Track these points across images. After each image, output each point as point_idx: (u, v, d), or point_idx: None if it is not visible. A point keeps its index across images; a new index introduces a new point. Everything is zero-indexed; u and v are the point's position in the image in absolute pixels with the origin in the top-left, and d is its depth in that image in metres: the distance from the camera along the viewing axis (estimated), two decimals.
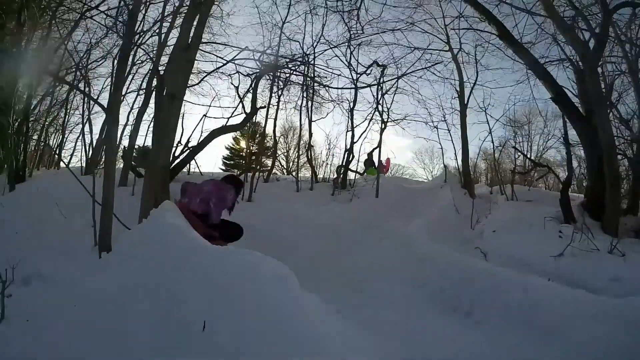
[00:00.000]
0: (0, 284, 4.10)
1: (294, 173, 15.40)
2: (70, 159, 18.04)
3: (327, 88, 14.05)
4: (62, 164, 16.50)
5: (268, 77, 14.26)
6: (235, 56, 9.26)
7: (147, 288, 2.85)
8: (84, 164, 14.21)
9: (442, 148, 14.59)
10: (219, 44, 12.77)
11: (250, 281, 2.18)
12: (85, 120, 14.42)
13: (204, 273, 2.46)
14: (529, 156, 18.31)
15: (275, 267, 2.37)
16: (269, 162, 19.50)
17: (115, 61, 12.88)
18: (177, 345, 2.21)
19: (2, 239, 7.00)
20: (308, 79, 13.63)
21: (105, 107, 7.23)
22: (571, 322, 4.12)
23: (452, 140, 13.62)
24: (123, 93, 12.75)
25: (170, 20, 11.94)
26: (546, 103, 12.61)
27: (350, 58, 13.98)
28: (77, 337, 3.06)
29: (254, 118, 13.49)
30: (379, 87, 13.47)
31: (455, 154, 13.38)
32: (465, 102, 13.02)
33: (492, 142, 11.94)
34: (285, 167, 23.80)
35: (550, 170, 11.79)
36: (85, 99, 13.92)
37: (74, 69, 15.14)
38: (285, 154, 24.54)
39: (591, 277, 5.93)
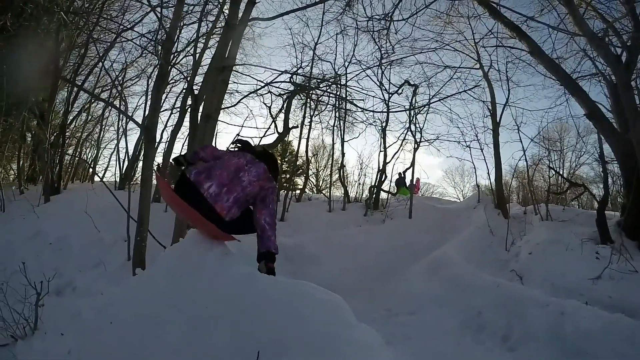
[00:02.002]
0: (35, 296, 4.17)
1: (324, 191, 15.39)
2: (104, 173, 18.29)
3: (359, 110, 14.04)
4: (96, 178, 16.74)
5: (300, 97, 14.33)
6: (274, 79, 9.26)
7: (186, 314, 2.84)
8: (117, 179, 14.40)
9: (474, 167, 14.41)
10: (255, 65, 12.78)
11: (310, 311, 2.15)
12: (120, 136, 14.63)
13: (261, 305, 2.42)
14: (562, 174, 18.01)
15: (330, 297, 2.34)
16: (299, 181, 19.50)
17: (151, 81, 13.16)
18: None
19: (36, 249, 7.10)
20: (340, 97, 13.61)
21: (141, 124, 7.33)
22: (605, 344, 4.06)
23: (484, 159, 13.49)
24: None
25: (203, 41, 12.08)
26: (579, 119, 12.32)
27: (382, 77, 14.01)
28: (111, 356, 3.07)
29: (286, 138, 13.53)
30: (412, 109, 13.38)
31: (488, 173, 13.27)
32: (498, 120, 12.82)
33: (526, 160, 11.69)
34: (315, 185, 23.72)
35: (587, 189, 11.51)
36: (120, 115, 14.12)
37: (109, 87, 15.46)
38: (316, 172, 24.48)
39: (630, 300, 5.81)
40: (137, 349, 2.82)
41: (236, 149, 4.24)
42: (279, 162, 5.59)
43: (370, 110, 13.39)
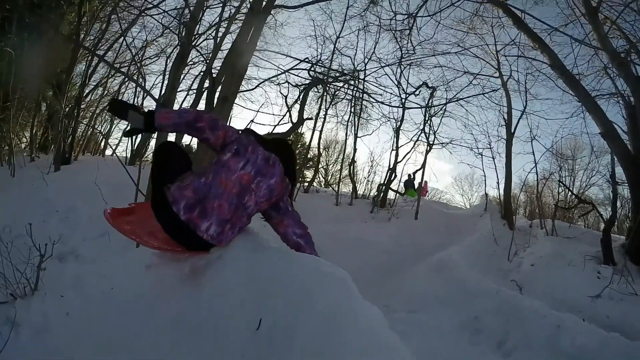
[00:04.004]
0: (38, 258, 4.22)
1: (332, 186, 15.40)
2: (116, 148, 18.36)
3: (376, 103, 13.99)
4: (106, 152, 16.81)
5: (316, 90, 14.34)
6: (293, 67, 9.28)
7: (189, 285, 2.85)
8: (128, 155, 14.46)
9: (485, 176, 14.31)
10: (276, 52, 12.88)
11: (317, 283, 2.16)
12: None
13: (267, 275, 2.42)
14: (572, 189, 17.90)
15: (336, 271, 2.34)
16: (307, 174, 19.52)
17: (169, 61, 13.19)
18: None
19: (43, 215, 7.13)
20: (358, 92, 13.61)
21: (157, 99, 7.36)
22: None
23: (495, 168, 13.33)
24: None
25: (225, 26, 12.10)
26: (593, 137, 12.22)
27: (400, 77, 13.94)
28: (112, 319, 3.09)
29: (299, 128, 13.56)
30: (428, 109, 13.40)
31: (497, 183, 13.19)
32: (512, 131, 12.72)
33: (537, 173, 11.64)
34: (324, 179, 23.73)
35: (595, 208, 11.42)
36: (136, 93, 14.17)
37: (128, 64, 15.52)
38: (325, 167, 24.49)
39: (628, 321, 5.83)
40: (139, 315, 2.84)
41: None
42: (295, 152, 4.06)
43: (388, 104, 13.32)
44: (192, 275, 2.83)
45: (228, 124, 3.34)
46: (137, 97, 14.34)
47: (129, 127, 3.26)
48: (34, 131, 13.07)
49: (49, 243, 4.35)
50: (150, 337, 2.60)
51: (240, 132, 3.15)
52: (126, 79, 14.99)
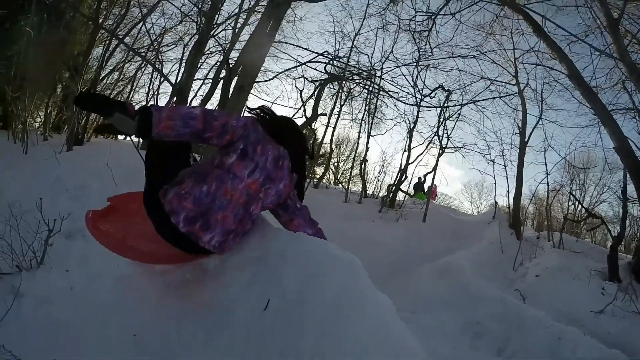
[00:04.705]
0: (47, 232, 4.25)
1: (342, 184, 15.40)
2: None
3: (391, 100, 13.99)
4: (119, 137, 16.90)
5: (332, 86, 14.35)
6: (311, 59, 9.31)
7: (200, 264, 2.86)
8: (140, 140, 14.48)
9: (495, 183, 14.24)
10: (294, 45, 12.89)
11: (327, 264, 2.15)
12: (149, 98, 14.72)
13: (279, 254, 2.41)
14: (582, 202, 17.82)
15: (346, 255, 2.34)
16: (318, 170, 19.53)
17: (187, 49, 13.29)
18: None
19: (53, 193, 7.17)
20: (374, 89, 13.60)
21: (174, 85, 7.41)
22: None
23: (506, 176, 13.34)
24: None
25: (244, 17, 12.14)
26: (607, 151, 12.10)
27: (417, 78, 13.81)
28: (117, 295, 3.11)
29: (312, 124, 13.58)
30: (443, 111, 13.37)
31: (507, 191, 13.20)
32: (526, 140, 12.66)
33: (547, 185, 11.60)
34: (334, 175, 23.74)
35: (604, 222, 11.37)
36: (152, 79, 14.20)
37: (145, 50, 15.60)
38: (336, 164, 24.50)
39: (630, 339, 5.84)
40: (145, 292, 2.85)
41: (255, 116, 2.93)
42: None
43: (404, 102, 13.29)
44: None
45: (238, 115, 2.85)
46: (153, 84, 14.38)
47: (106, 121, 2.41)
48: (48, 111, 13.17)
49: (57, 219, 4.38)
50: (153, 314, 2.61)
51: (247, 122, 2.73)
52: (142, 64, 15.07)
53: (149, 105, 2.41)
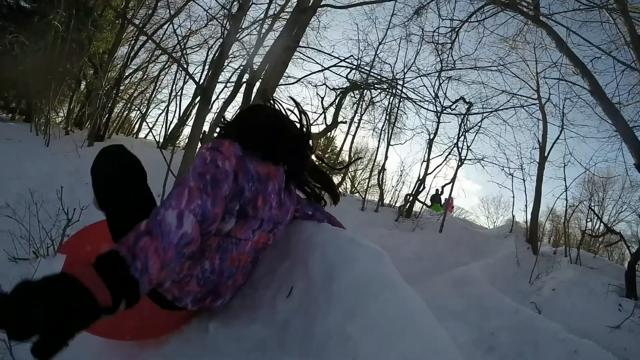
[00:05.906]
0: (65, 221, 4.29)
1: (360, 193, 15.41)
2: (149, 132, 18.67)
3: (414, 105, 13.97)
4: (140, 135, 17.12)
5: (353, 95, 14.39)
6: (335, 64, 9.35)
7: None
8: (161, 139, 14.63)
9: (513, 197, 14.20)
10: (319, 51, 12.93)
11: (355, 251, 2.14)
12: (172, 98, 14.88)
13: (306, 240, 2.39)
14: (599, 224, 17.69)
15: (371, 244, 2.32)
16: (335, 179, 19.50)
17: (210, 52, 13.45)
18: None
19: (72, 185, 7.26)
20: (396, 97, 13.62)
21: (199, 84, 7.49)
22: None
23: (525, 190, 13.31)
24: None
25: (269, 22, 12.19)
26: (629, 167, 11.95)
27: (438, 90, 13.87)
28: None
29: (332, 131, 13.62)
30: (464, 122, 13.32)
31: (525, 205, 13.08)
32: (546, 154, 12.66)
33: (566, 199, 11.51)
34: (351, 184, 23.73)
35: (622, 239, 11.27)
36: (176, 78, 14.33)
37: (171, 50, 15.76)
38: (353, 173, 24.51)
39: None
40: None
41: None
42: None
43: (426, 108, 13.39)
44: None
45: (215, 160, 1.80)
46: (176, 85, 14.52)
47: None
48: (71, 106, 13.34)
49: (77, 208, 4.42)
50: None
51: (233, 167, 1.86)
52: (166, 65, 15.26)
53: (125, 268, 1.17)
